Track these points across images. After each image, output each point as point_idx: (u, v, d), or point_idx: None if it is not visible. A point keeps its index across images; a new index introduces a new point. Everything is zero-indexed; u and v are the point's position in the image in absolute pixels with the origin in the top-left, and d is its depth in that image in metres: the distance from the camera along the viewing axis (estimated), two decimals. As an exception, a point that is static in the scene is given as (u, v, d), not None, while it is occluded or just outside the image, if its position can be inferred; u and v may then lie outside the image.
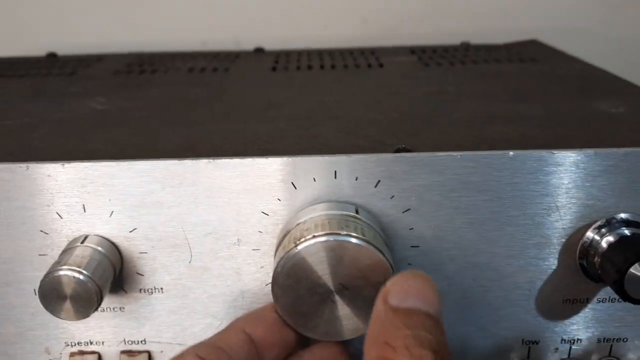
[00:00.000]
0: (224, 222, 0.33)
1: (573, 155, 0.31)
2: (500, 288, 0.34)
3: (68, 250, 0.32)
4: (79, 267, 0.30)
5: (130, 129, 0.39)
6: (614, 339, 0.35)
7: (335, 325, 0.30)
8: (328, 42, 0.73)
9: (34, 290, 0.34)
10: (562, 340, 0.35)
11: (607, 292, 0.34)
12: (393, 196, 0.32)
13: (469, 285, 0.34)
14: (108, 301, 0.34)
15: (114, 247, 0.33)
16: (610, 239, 0.32)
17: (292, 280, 0.30)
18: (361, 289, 0.30)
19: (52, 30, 0.74)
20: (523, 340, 0.35)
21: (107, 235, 0.33)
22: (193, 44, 0.74)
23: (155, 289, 0.34)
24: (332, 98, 0.48)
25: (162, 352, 0.35)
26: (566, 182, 0.32)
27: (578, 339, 0.35)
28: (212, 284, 0.34)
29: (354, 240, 0.29)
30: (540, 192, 0.32)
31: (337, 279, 0.30)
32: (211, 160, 0.32)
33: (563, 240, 0.33)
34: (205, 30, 0.75)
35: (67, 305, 0.31)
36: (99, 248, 0.32)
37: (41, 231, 0.33)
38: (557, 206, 0.32)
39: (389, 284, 0.27)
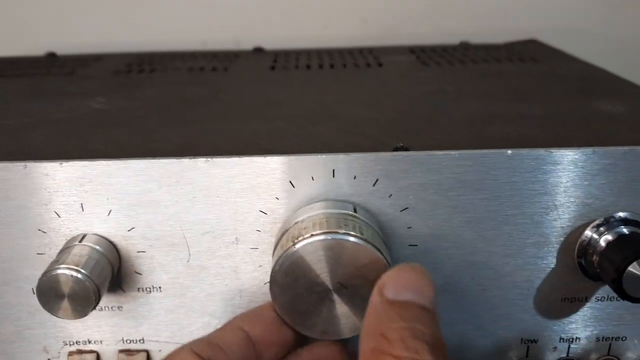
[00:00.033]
0: (221, 220, 0.33)
1: (571, 153, 0.31)
2: (499, 287, 0.34)
3: (66, 249, 0.32)
4: (77, 266, 0.30)
5: (129, 128, 0.39)
6: (612, 337, 0.35)
7: (333, 324, 0.30)
8: (328, 42, 0.73)
9: (32, 289, 0.34)
10: (561, 339, 0.35)
11: (605, 290, 0.34)
12: (391, 195, 0.32)
13: (467, 284, 0.34)
14: (106, 300, 0.34)
15: (112, 246, 0.33)
16: (609, 237, 0.32)
17: (290, 278, 0.30)
18: (359, 287, 0.30)
19: (51, 30, 0.74)
20: (521, 339, 0.35)
21: (105, 234, 0.33)
22: (193, 43, 0.74)
23: (153, 287, 0.34)
24: (331, 97, 0.47)
25: (160, 351, 0.35)
26: (564, 180, 0.32)
27: (577, 338, 0.35)
28: (210, 283, 0.34)
29: (352, 238, 0.29)
30: (538, 190, 0.32)
31: (336, 278, 0.30)
32: (209, 159, 0.32)
33: (561, 239, 0.33)
34: (205, 30, 0.75)
35: (65, 304, 0.31)
36: (97, 247, 0.32)
37: (39, 230, 0.33)
38: (555, 205, 0.32)
39: (384, 276, 0.27)
